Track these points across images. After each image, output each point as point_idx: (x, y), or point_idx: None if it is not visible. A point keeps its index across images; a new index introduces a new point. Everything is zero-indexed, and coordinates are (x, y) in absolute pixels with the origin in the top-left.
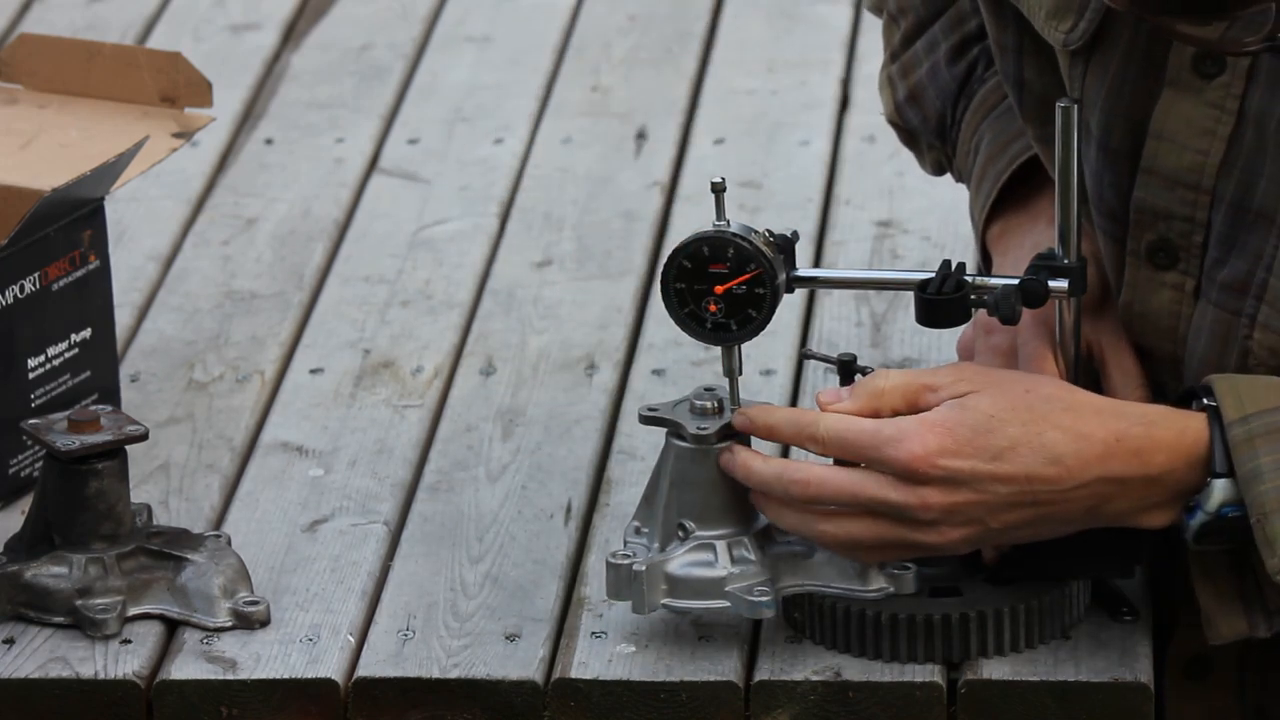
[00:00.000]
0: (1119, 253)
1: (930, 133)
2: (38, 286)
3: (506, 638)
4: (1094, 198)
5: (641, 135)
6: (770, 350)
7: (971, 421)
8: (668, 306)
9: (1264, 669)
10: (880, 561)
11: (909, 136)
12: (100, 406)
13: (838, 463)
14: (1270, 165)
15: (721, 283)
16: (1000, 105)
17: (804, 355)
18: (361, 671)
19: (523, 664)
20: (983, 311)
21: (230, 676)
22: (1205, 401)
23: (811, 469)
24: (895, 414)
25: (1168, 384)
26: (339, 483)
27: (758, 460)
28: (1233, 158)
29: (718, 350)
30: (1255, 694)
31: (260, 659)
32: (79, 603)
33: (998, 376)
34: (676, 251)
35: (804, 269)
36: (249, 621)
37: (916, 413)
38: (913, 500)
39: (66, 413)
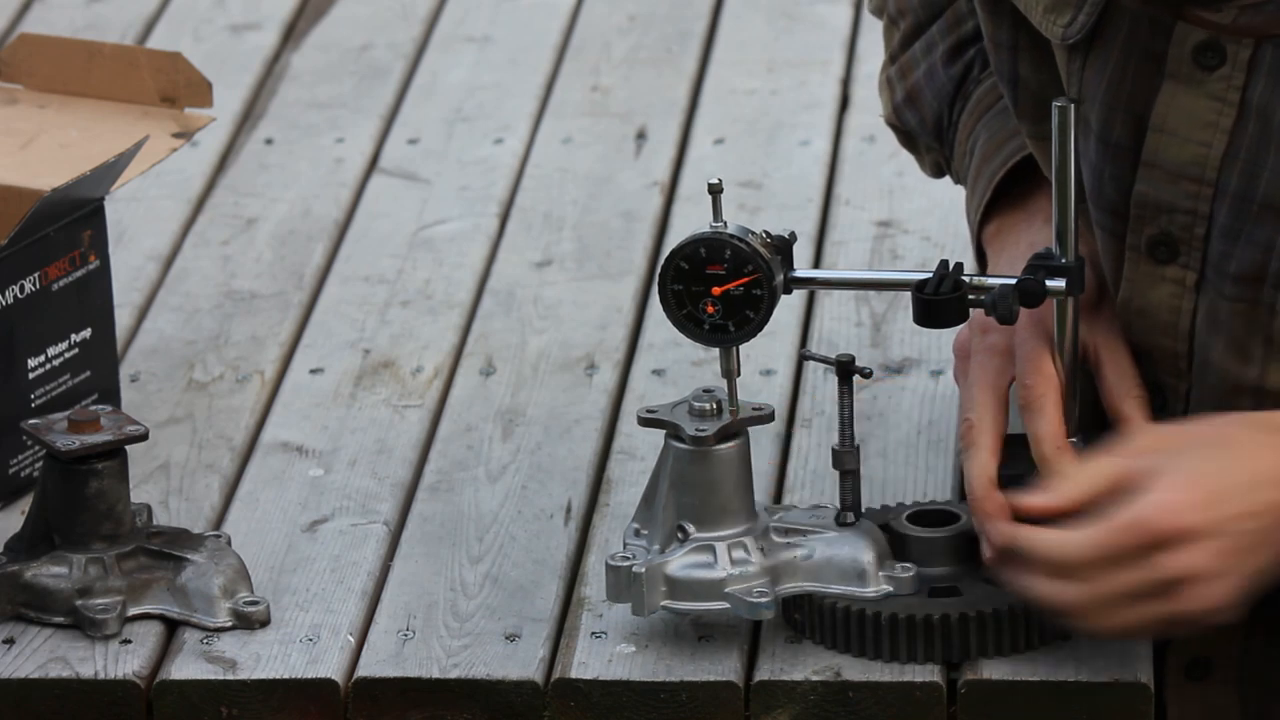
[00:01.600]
0: (1118, 248)
1: (928, 134)
2: (38, 286)
3: (506, 638)
4: (1093, 192)
5: (641, 135)
6: (770, 351)
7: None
8: (665, 308)
9: (1264, 669)
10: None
11: (907, 138)
12: (100, 406)
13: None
14: (1275, 157)
15: (719, 284)
16: (996, 105)
17: (803, 356)
18: (361, 671)
19: (523, 664)
20: (979, 311)
21: (230, 676)
22: None
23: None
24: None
25: (1167, 382)
26: (339, 483)
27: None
28: (1235, 150)
29: (717, 350)
30: (1255, 694)
31: (260, 659)
32: (79, 603)
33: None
34: (673, 253)
35: (802, 270)
36: (249, 621)
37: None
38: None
39: (66, 413)
